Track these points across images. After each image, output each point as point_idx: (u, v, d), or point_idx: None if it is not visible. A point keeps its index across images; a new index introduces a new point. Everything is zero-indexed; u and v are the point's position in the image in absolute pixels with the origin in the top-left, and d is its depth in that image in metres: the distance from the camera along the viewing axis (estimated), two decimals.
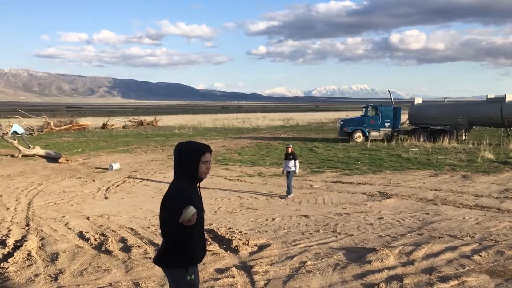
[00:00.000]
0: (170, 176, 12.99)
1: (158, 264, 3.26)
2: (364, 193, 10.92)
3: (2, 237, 7.29)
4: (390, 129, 25.17)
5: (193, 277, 3.26)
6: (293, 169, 10.70)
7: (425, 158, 17.09)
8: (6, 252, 6.49)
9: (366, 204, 9.72)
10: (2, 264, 5.95)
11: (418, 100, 27.48)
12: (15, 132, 22.82)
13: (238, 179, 13.10)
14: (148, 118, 44.92)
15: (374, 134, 24.99)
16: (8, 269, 5.76)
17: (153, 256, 6.15)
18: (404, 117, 29.86)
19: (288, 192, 10.63)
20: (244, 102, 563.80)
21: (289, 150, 10.91)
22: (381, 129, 25.13)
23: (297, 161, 10.84)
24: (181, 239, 3.09)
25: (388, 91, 30.52)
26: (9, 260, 6.08)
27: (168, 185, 3.32)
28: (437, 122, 24.82)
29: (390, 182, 12.43)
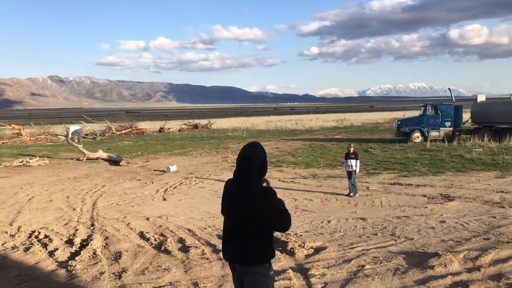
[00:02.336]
0: (225, 178, 13.17)
1: (245, 263, 3.19)
2: (424, 196, 10.50)
3: (70, 236, 7.71)
4: (451, 129, 24.08)
5: (272, 272, 3.29)
6: (354, 168, 10.71)
7: (490, 159, 16.18)
8: (73, 251, 6.86)
9: (426, 207, 9.34)
10: (70, 262, 6.30)
11: (481, 98, 26.08)
12: (73, 133, 25.46)
13: (292, 181, 13.05)
14: (203, 121, 45.90)
15: (433, 134, 24.00)
16: (75, 267, 6.08)
17: (210, 257, 6.27)
18: (466, 115, 28.44)
19: (354, 191, 10.69)
20: (296, 103, 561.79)
21: (351, 149, 10.90)
22: (441, 128, 24.09)
23: (358, 161, 10.90)
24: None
25: (449, 88, 29.23)
26: (76, 258, 6.42)
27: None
28: (502, 121, 23.41)
29: (452, 184, 11.87)
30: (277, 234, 7.28)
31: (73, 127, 28.03)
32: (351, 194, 10.72)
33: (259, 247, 3.20)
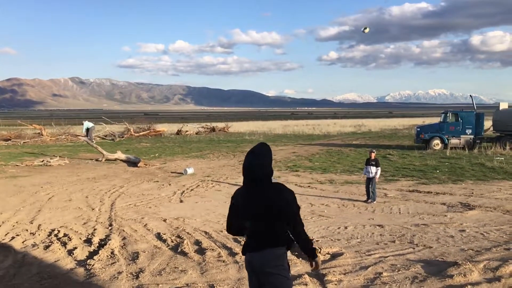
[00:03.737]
0: (241, 182, 13.14)
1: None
2: (444, 204, 10.34)
3: (88, 235, 7.83)
4: (472, 136, 23.66)
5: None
6: (373, 175, 10.67)
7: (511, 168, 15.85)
8: (92, 250, 6.96)
9: (446, 215, 9.19)
10: (88, 261, 6.39)
11: (503, 105, 25.58)
12: (87, 129, 27.32)
13: (309, 186, 13.00)
14: (220, 125, 46.07)
15: (454, 141, 23.62)
16: (94, 266, 6.16)
17: (226, 260, 6.27)
18: (487, 123, 27.93)
19: (373, 197, 10.64)
20: (314, 108, 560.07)
21: (372, 156, 10.83)
22: (461, 136, 23.70)
23: (379, 168, 10.82)
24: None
25: (470, 95, 28.75)
26: (95, 257, 6.51)
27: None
28: None
29: (472, 193, 11.66)
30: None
31: (88, 123, 29.73)
32: (370, 200, 10.63)
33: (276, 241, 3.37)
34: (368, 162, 10.82)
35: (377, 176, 10.79)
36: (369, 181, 10.74)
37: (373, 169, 10.67)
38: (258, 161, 3.36)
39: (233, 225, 3.57)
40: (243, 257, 3.52)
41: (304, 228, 3.47)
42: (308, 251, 3.46)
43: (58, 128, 37.41)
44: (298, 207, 3.43)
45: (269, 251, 3.29)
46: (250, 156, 3.39)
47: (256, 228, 3.36)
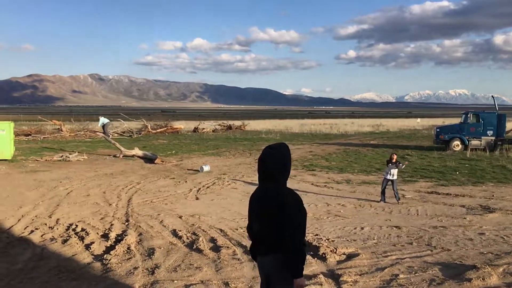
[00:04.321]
0: (257, 180, 13.14)
1: (298, 275, 3.15)
2: (463, 206, 10.15)
3: (105, 230, 7.91)
4: (493, 138, 23.17)
5: None
6: (395, 177, 10.63)
7: None
8: (108, 245, 7.04)
9: (465, 218, 9.02)
10: (105, 256, 6.46)
11: None
12: (103, 125, 27.87)
13: (325, 185, 12.91)
14: (237, 123, 46.11)
15: (474, 142, 23.18)
16: (110, 261, 6.23)
17: (241, 258, 6.27)
18: (509, 124, 27.35)
19: (397, 198, 10.58)
20: (331, 107, 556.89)
21: (394, 158, 10.76)
22: (482, 137, 23.24)
23: (397, 169, 10.75)
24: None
25: (492, 96, 28.18)
26: (111, 252, 6.58)
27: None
28: None
29: (493, 195, 11.43)
30: (308, 238, 7.21)
31: (103, 119, 30.35)
32: (397, 200, 10.55)
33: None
34: (389, 163, 10.72)
35: (394, 177, 10.68)
36: (386, 182, 10.62)
37: (395, 171, 10.60)
38: (274, 154, 3.26)
39: (248, 226, 3.51)
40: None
41: (303, 238, 3.21)
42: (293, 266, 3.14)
43: (77, 124, 37.94)
44: (302, 213, 3.25)
45: (273, 256, 3.18)
46: (267, 149, 3.32)
47: (259, 229, 3.28)
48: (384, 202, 10.56)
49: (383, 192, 10.69)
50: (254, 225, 3.32)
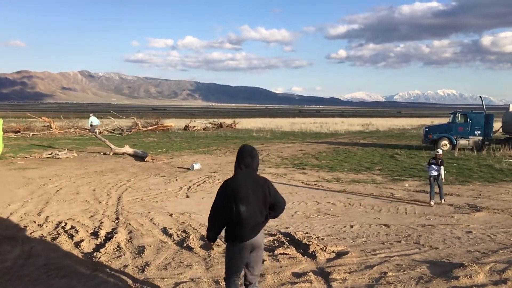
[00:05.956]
0: None
1: (262, 238, 4.13)
2: (451, 205, 10.28)
3: (95, 228, 7.89)
4: (480, 138, 23.49)
5: None
6: (438, 173, 10.46)
7: None
8: (98, 243, 7.01)
9: (452, 217, 9.15)
10: (95, 253, 6.44)
11: None
12: (92, 126, 27.89)
13: (315, 184, 12.98)
14: (227, 121, 46.10)
15: (462, 142, 23.47)
16: (100, 259, 6.21)
17: None
18: (497, 125, 27.69)
19: (440, 196, 10.47)
20: (322, 106, 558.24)
21: (440, 155, 10.67)
22: (470, 137, 23.53)
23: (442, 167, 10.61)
24: None
25: (480, 96, 28.50)
26: (101, 250, 6.56)
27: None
28: None
29: (480, 194, 11.59)
30: (298, 236, 7.26)
31: (94, 119, 30.26)
32: (433, 202, 10.28)
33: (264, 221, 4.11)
34: (433, 162, 10.56)
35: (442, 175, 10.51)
36: (434, 180, 10.41)
37: (439, 168, 10.43)
38: (253, 149, 4.16)
39: (220, 214, 4.13)
40: (250, 253, 4.08)
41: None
42: None
43: (66, 121, 37.67)
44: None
45: (261, 232, 4.14)
46: (248, 146, 4.20)
47: (243, 210, 3.92)
48: (434, 203, 10.23)
49: (432, 193, 10.37)
50: (250, 208, 3.91)
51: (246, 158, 4.00)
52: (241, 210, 3.85)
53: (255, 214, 3.91)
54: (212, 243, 4.24)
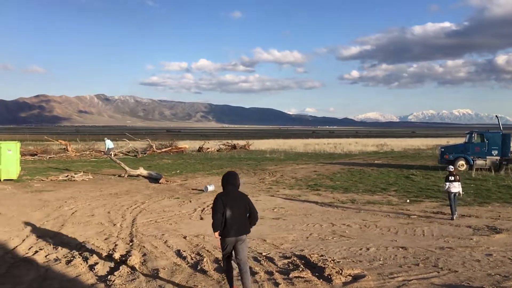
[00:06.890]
0: (262, 199, 13.16)
1: (246, 233, 5.56)
2: (469, 227, 10.06)
3: (109, 251, 7.88)
4: (498, 158, 23.09)
5: None
6: (458, 190, 11.14)
7: None
8: (112, 266, 7.00)
9: (472, 239, 8.93)
10: (109, 276, 6.42)
11: None
12: (108, 149, 28.67)
13: (330, 205, 12.85)
14: (241, 142, 46.20)
15: (479, 162, 23.09)
16: (114, 282, 6.19)
17: None
18: None
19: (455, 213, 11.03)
20: (335, 127, 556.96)
21: (454, 171, 11.47)
22: (487, 157, 23.15)
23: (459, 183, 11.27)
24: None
25: (496, 116, 28.16)
26: (115, 273, 6.54)
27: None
28: None
29: (499, 216, 11.33)
30: (313, 259, 7.15)
31: (110, 143, 31.39)
32: (454, 217, 10.91)
33: (248, 224, 5.63)
34: (450, 179, 11.13)
35: (460, 190, 11.23)
36: (454, 195, 11.01)
37: (457, 184, 11.12)
38: (236, 173, 5.95)
39: (220, 216, 5.49)
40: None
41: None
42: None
43: (83, 144, 38.16)
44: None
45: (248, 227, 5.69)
46: (232, 172, 6.02)
47: (230, 214, 5.44)
48: (456, 217, 10.86)
49: (454, 207, 10.99)
50: (235, 213, 5.44)
51: (232, 179, 5.74)
52: (227, 214, 5.38)
53: (238, 218, 5.44)
54: (217, 232, 5.56)
